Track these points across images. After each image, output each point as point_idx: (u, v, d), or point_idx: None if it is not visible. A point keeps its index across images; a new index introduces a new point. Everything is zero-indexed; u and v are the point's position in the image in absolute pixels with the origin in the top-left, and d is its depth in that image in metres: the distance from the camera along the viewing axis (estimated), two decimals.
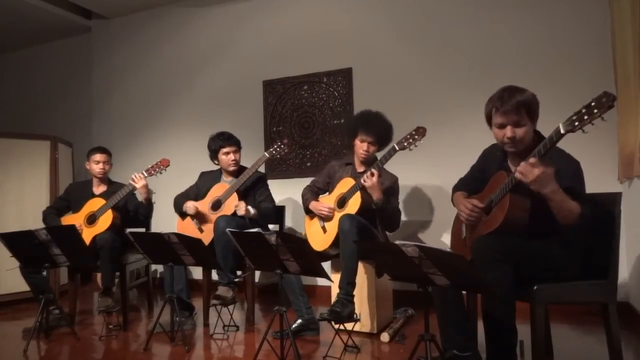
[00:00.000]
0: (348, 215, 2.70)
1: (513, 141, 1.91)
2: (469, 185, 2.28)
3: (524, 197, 1.92)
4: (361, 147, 2.98)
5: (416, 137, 2.77)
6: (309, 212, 3.13)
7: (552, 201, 1.77)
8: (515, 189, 1.91)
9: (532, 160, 1.74)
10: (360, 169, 3.07)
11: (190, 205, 3.21)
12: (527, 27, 3.36)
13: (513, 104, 1.87)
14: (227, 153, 3.27)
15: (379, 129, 2.97)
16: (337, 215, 2.86)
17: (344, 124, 3.80)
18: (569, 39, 3.24)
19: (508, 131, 1.90)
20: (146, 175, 3.28)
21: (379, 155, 2.90)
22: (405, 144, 2.78)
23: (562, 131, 1.71)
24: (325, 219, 2.98)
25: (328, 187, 3.20)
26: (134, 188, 3.26)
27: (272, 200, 3.39)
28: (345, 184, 2.97)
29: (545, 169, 1.71)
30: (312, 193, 3.19)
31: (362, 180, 2.79)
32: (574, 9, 3.23)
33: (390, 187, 2.98)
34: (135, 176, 3.23)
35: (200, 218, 3.22)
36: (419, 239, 3.63)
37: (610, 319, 1.93)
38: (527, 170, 1.73)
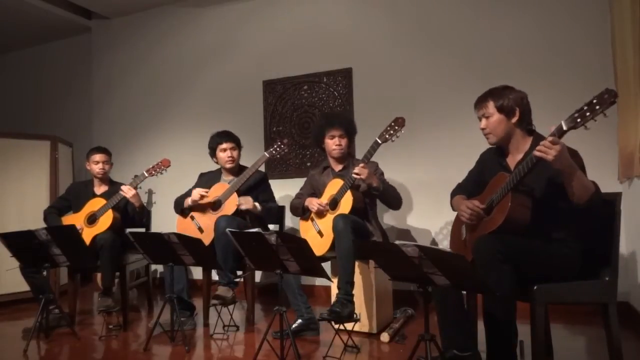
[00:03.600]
0: (341, 215, 2.70)
1: (485, 132, 2.08)
2: (467, 189, 2.29)
3: (525, 196, 1.92)
4: (333, 142, 3.03)
5: (396, 127, 2.76)
6: (304, 213, 3.11)
7: (571, 176, 1.77)
8: (516, 189, 1.92)
9: (551, 138, 1.74)
10: (337, 167, 3.10)
11: (194, 192, 3.18)
12: (526, 28, 3.35)
13: (481, 97, 2.09)
14: (225, 150, 3.27)
15: (343, 120, 3.08)
16: (331, 216, 2.84)
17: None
18: (568, 39, 3.24)
19: (481, 123, 2.09)
20: (147, 175, 3.29)
21: (358, 154, 2.90)
22: (387, 135, 2.77)
23: (565, 128, 1.73)
24: (319, 221, 2.97)
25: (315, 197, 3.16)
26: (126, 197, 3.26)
27: (275, 200, 3.42)
28: (334, 186, 2.96)
29: (563, 145, 1.72)
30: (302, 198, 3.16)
31: (355, 175, 2.75)
32: (573, 9, 3.23)
33: (377, 172, 2.99)
34: (123, 188, 3.24)
35: (200, 218, 3.22)
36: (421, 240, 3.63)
37: (610, 319, 1.92)
38: (549, 147, 1.73)
